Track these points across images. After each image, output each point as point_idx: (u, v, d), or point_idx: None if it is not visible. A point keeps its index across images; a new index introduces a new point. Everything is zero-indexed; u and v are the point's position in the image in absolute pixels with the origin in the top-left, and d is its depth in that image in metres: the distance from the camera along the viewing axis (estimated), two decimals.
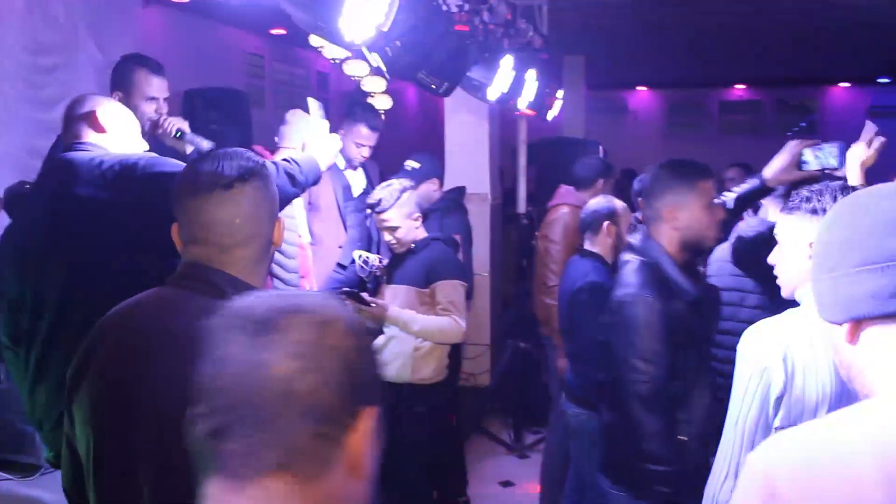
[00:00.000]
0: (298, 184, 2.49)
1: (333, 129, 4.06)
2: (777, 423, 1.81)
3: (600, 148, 6.81)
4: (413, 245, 3.60)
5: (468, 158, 6.01)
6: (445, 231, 4.16)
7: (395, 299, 3.53)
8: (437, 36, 3.18)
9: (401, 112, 12.69)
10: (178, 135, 2.86)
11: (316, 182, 2.62)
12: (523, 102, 4.76)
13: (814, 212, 1.82)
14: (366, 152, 4.38)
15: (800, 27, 7.73)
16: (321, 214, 4.22)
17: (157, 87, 3.00)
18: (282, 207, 3.06)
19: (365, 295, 3.53)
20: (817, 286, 1.08)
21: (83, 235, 2.28)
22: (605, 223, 3.66)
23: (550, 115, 5.70)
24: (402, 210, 3.55)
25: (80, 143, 2.45)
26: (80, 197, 2.29)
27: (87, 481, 1.42)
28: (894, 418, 0.96)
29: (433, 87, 3.38)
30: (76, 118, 2.50)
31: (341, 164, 4.30)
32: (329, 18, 2.41)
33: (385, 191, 3.61)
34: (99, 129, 2.48)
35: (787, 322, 1.85)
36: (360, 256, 4.04)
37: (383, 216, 3.57)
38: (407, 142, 11.78)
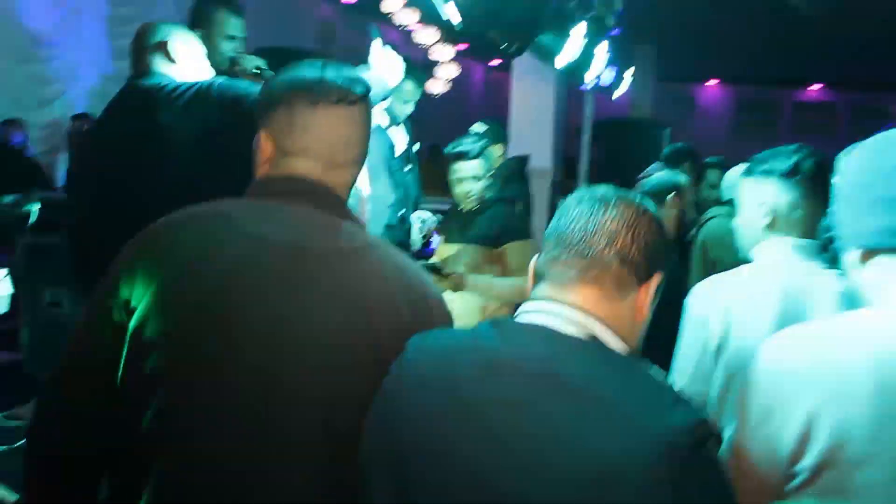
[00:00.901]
0: None
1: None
2: (718, 373, 1.86)
3: (668, 131, 6.70)
4: (478, 204, 3.56)
5: (531, 133, 5.97)
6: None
7: (458, 258, 3.51)
8: None
9: (466, 92, 12.69)
10: (257, 70, 2.89)
11: (383, 98, 2.61)
12: (591, 75, 4.70)
13: (766, 173, 1.90)
14: (410, 108, 4.37)
15: (886, 27, 7.49)
16: (371, 175, 4.22)
17: (236, 26, 3.03)
18: None
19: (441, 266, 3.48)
20: (839, 219, 1.29)
21: (163, 160, 2.32)
22: (671, 195, 3.58)
23: (616, 94, 5.62)
24: (485, 162, 3.51)
25: (151, 71, 2.49)
26: (157, 123, 2.33)
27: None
28: (889, 329, 1.17)
29: (503, 46, 3.36)
30: (147, 48, 2.53)
31: (385, 122, 4.30)
32: None
33: (469, 140, 3.59)
34: (168, 59, 2.52)
35: (729, 278, 1.94)
36: (419, 218, 4.02)
37: (468, 165, 3.48)
38: (471, 120, 11.76)
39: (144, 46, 2.54)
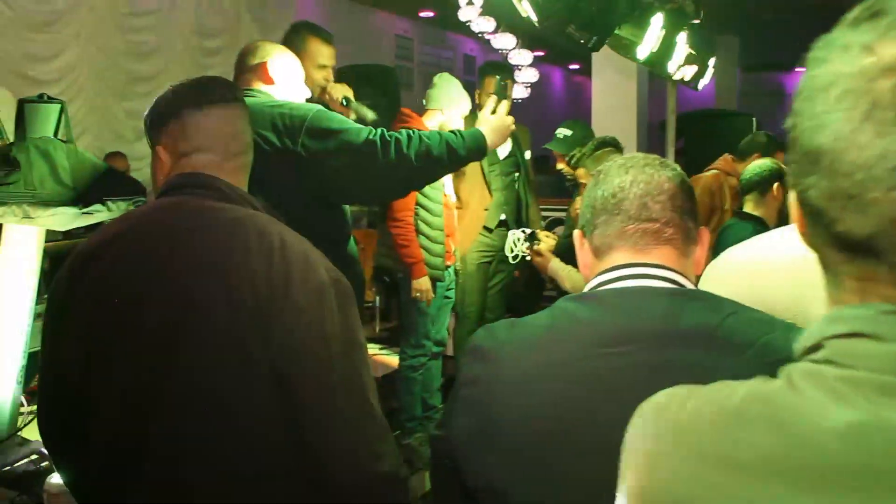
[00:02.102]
0: (458, 157, 2.52)
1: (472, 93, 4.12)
2: None
3: (754, 121, 6.55)
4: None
5: (615, 129, 5.86)
6: None
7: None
8: None
9: (546, 97, 12.67)
10: (343, 102, 2.97)
11: (480, 157, 2.63)
12: (673, 66, 4.64)
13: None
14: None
15: None
16: (466, 178, 4.28)
17: (327, 55, 3.12)
18: (440, 176, 3.08)
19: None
20: None
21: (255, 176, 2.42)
22: (776, 184, 3.47)
23: (701, 85, 5.52)
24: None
25: (250, 89, 2.60)
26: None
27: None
28: None
29: (582, 41, 3.36)
30: (248, 68, 2.65)
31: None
32: None
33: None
34: (267, 80, 2.63)
35: None
36: (513, 235, 3.94)
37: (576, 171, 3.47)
38: (552, 123, 11.73)
39: (245, 66, 2.66)
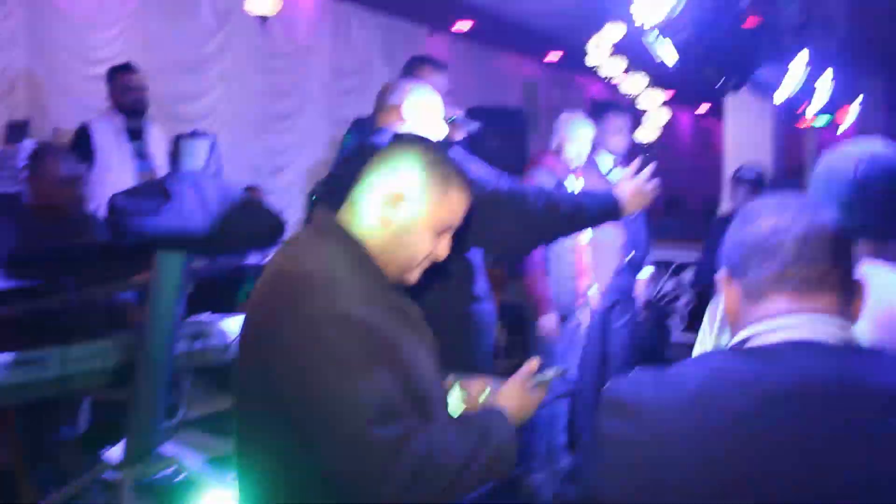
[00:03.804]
0: (588, 218, 2.45)
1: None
2: None
3: None
4: None
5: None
6: None
7: None
8: (726, 28, 3.11)
9: (674, 138, 12.46)
10: (451, 120, 3.01)
11: (613, 219, 2.49)
12: (812, 109, 4.47)
13: None
14: (623, 141, 4.30)
15: None
16: None
17: (438, 82, 3.20)
18: (565, 234, 2.75)
19: None
20: None
21: None
22: None
23: (842, 128, 5.29)
24: None
25: (385, 128, 2.68)
26: None
27: None
28: None
29: (720, 83, 3.30)
30: (385, 106, 2.73)
31: (606, 165, 4.28)
32: None
33: None
34: (402, 120, 2.70)
35: None
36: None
37: None
38: (680, 166, 11.51)
39: (383, 104, 2.74)
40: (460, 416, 1.51)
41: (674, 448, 1.01)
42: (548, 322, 3.76)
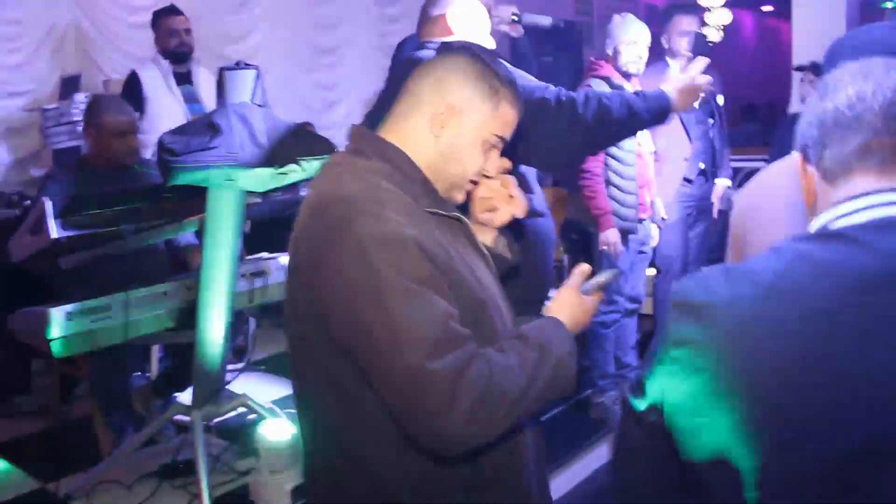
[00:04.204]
0: (640, 120, 2.34)
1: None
2: None
3: None
4: None
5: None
6: None
7: None
8: None
9: (738, 39, 11.92)
10: (515, 18, 2.85)
11: (664, 119, 2.42)
12: None
13: None
14: (688, 43, 4.06)
15: None
16: (662, 127, 4.03)
17: None
18: (620, 138, 2.82)
19: None
20: None
21: None
22: None
23: None
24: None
25: (430, 42, 2.55)
26: None
27: None
28: None
29: None
30: (429, 19, 2.60)
31: (675, 69, 4.05)
32: None
33: None
34: (447, 31, 2.56)
35: None
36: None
37: None
38: (745, 69, 11.02)
39: (426, 17, 2.61)
40: (518, 332, 1.39)
41: (749, 345, 0.92)
42: (610, 237, 3.62)
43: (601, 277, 1.57)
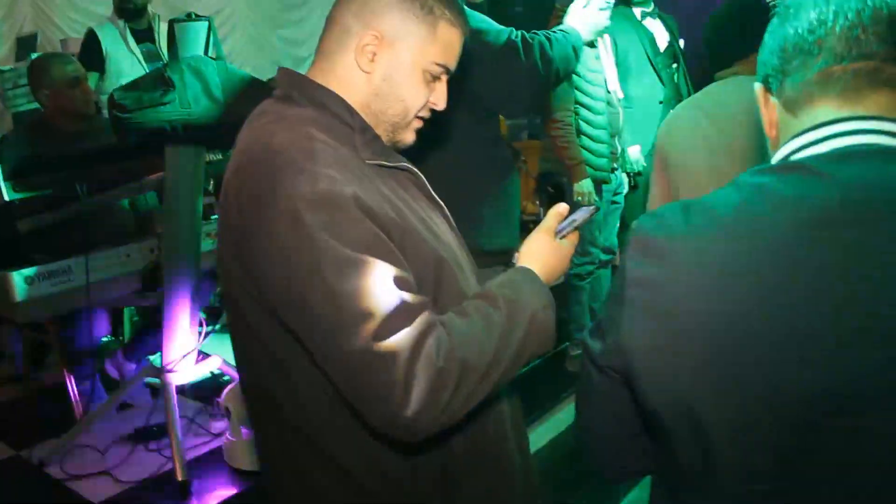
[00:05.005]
0: (545, 59, 2.25)
1: None
2: None
3: None
4: None
5: None
6: None
7: None
8: None
9: None
10: None
11: (578, 57, 2.37)
12: None
13: None
14: None
15: None
16: (632, 72, 3.96)
17: None
18: (559, 81, 2.62)
19: None
20: None
21: None
22: None
23: None
24: None
25: None
26: None
27: None
28: None
29: None
30: None
31: (637, 14, 3.97)
32: None
33: None
34: None
35: None
36: None
37: None
38: (707, 11, 10.86)
39: None
40: (483, 290, 1.24)
41: (703, 282, 0.88)
42: (584, 187, 3.57)
43: (577, 216, 1.41)
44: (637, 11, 3.96)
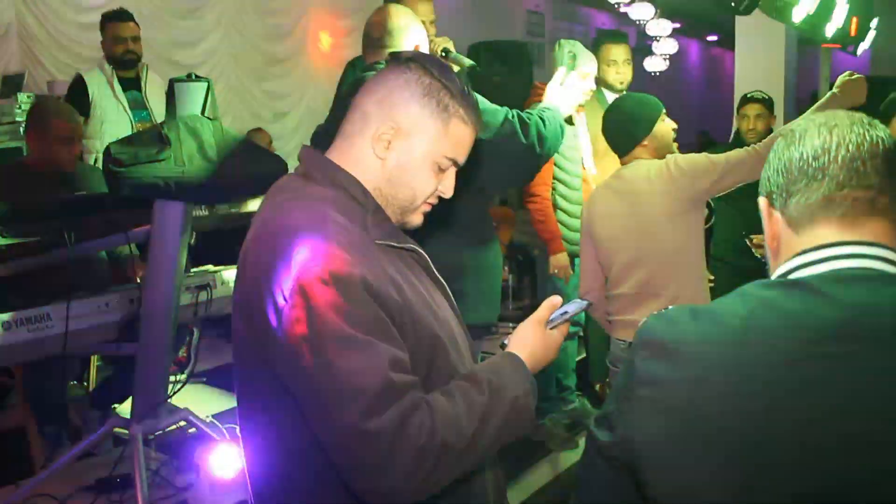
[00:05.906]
0: (541, 137, 2.38)
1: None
2: None
3: None
4: None
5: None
6: None
7: None
8: None
9: (683, 68, 12.20)
10: (443, 53, 2.89)
11: (560, 134, 2.47)
12: (831, 29, 4.29)
13: None
14: (621, 71, 4.08)
15: None
16: (603, 150, 4.08)
17: (423, 11, 3.08)
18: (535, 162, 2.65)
19: None
20: None
21: None
22: None
23: (860, 50, 5.11)
24: None
25: (378, 63, 2.55)
26: None
27: None
28: None
29: (732, 4, 3.15)
30: (373, 42, 2.60)
31: (608, 96, 4.10)
32: None
33: None
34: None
35: None
36: None
37: None
38: (689, 96, 11.26)
39: (370, 41, 2.60)
40: (471, 372, 1.34)
41: (716, 386, 0.95)
42: (561, 260, 3.66)
43: (569, 308, 1.51)
44: (609, 95, 4.08)
